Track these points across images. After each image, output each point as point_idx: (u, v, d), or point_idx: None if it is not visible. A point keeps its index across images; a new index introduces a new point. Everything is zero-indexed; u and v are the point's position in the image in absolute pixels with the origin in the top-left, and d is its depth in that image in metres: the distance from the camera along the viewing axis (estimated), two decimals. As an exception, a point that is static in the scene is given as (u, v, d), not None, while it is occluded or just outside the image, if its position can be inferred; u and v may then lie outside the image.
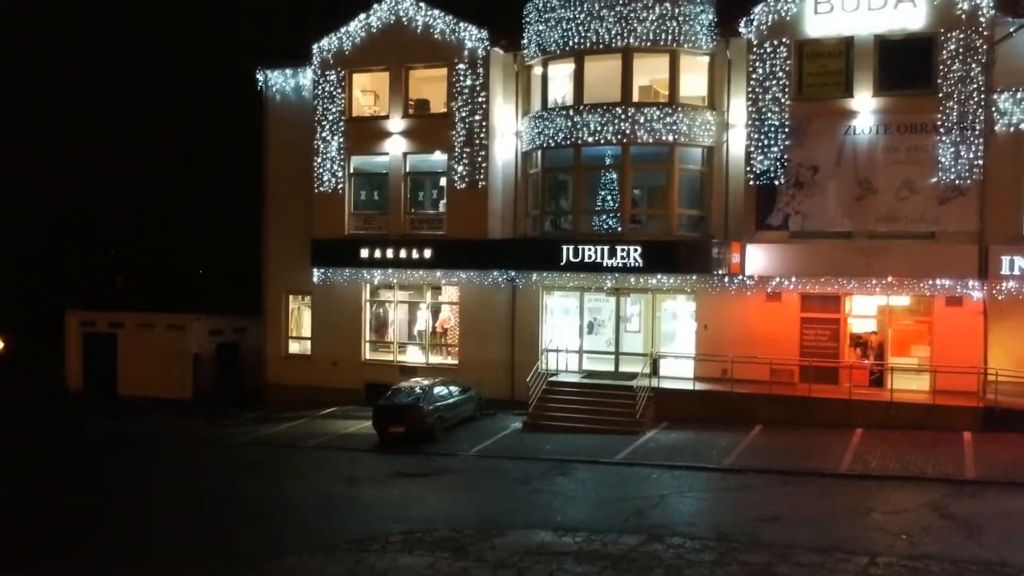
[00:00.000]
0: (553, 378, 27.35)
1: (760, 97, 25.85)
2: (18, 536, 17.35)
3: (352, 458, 23.66)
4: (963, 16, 24.03)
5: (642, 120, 26.43)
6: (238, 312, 36.29)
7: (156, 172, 52.31)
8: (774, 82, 25.71)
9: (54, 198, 50.85)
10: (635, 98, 27.01)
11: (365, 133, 30.32)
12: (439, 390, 26.13)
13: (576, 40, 26.93)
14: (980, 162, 23.98)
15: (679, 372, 27.18)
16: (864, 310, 26.31)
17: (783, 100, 25.65)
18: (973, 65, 23.99)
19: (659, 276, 27.12)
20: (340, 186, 30.61)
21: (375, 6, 29.90)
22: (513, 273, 28.82)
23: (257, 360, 33.75)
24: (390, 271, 30.28)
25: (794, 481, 19.81)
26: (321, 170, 30.74)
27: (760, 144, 25.86)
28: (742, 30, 26.06)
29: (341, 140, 30.50)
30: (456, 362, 30.13)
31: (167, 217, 52.98)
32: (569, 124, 27.11)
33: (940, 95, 24.28)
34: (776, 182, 25.74)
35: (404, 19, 29.53)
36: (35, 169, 49.64)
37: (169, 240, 53.48)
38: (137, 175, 52.48)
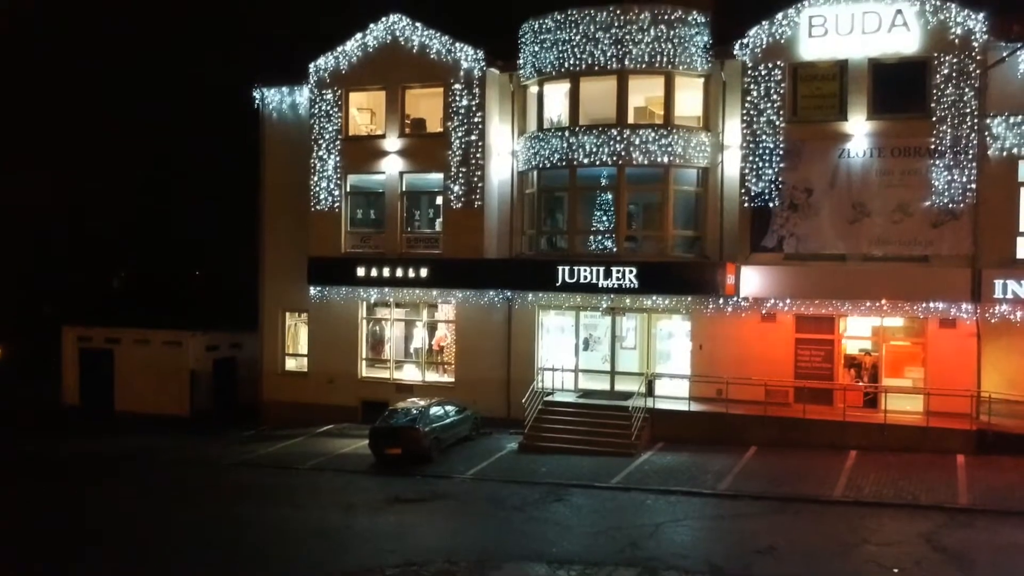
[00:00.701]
0: (549, 398, 27.46)
1: (755, 119, 25.96)
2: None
3: (348, 481, 23.73)
4: (956, 40, 24.16)
5: (637, 142, 26.55)
6: (234, 325, 36.31)
7: (153, 180, 52.28)
8: (769, 104, 25.83)
9: (51, 202, 50.85)
10: (630, 119, 27.15)
11: (362, 152, 30.42)
12: (435, 410, 26.22)
13: (572, 62, 27.04)
14: (973, 186, 24.10)
15: (674, 392, 27.28)
16: (858, 331, 26.41)
17: (778, 122, 25.77)
18: (966, 89, 24.12)
19: (654, 297, 27.22)
20: (337, 204, 30.70)
21: (371, 26, 30.00)
22: (509, 293, 28.92)
23: (254, 374, 33.78)
24: (387, 289, 30.36)
25: (788, 508, 19.91)
26: (318, 188, 30.84)
27: (755, 166, 25.97)
28: (737, 52, 26.18)
29: (338, 159, 30.60)
30: (452, 380, 30.23)
31: (166, 224, 52.90)
32: (565, 145, 27.22)
33: (933, 119, 24.40)
34: (771, 204, 25.85)
35: (400, 39, 29.63)
36: (34, 169, 49.74)
37: (167, 243, 53.47)
38: (134, 182, 52.45)
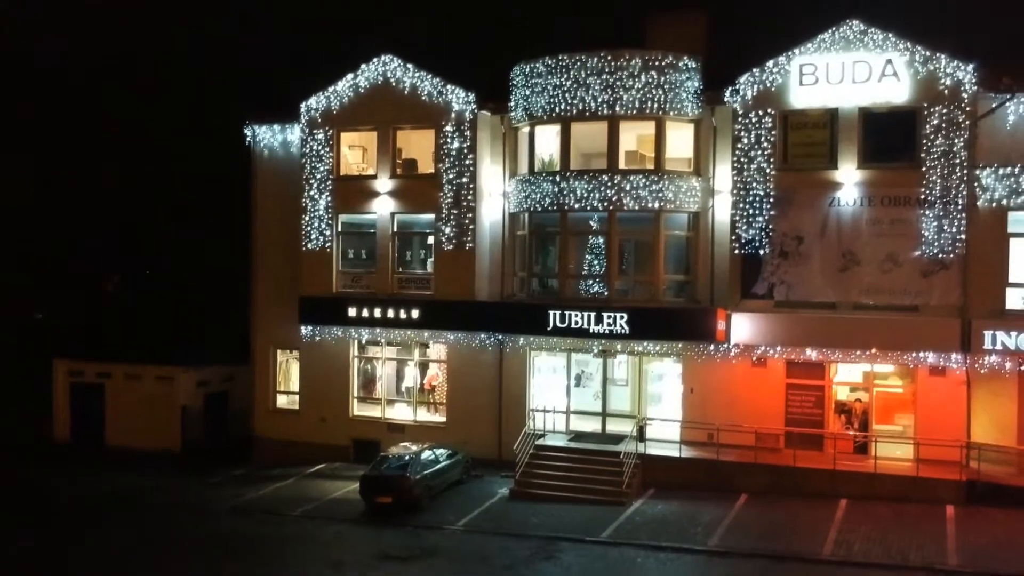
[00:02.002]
0: (540, 441, 27.44)
1: (745, 166, 25.98)
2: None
3: (338, 532, 23.65)
4: (946, 91, 24.22)
5: (628, 187, 26.58)
6: (226, 358, 36.11)
7: (150, 182, 51.99)
8: (759, 152, 25.86)
9: (46, 204, 50.76)
10: (621, 163, 27.15)
11: (353, 192, 30.40)
12: (426, 456, 26.17)
13: (562, 107, 27.05)
14: (963, 237, 24.14)
15: (666, 434, 27.26)
16: (848, 377, 26.46)
17: (768, 170, 25.79)
18: (956, 140, 24.17)
19: (646, 343, 27.24)
20: (328, 244, 30.67)
21: (363, 66, 29.96)
22: (500, 336, 28.89)
23: (245, 406, 33.69)
24: (378, 330, 30.34)
25: (777, 567, 20.00)
26: (309, 228, 30.80)
27: (745, 213, 26.00)
28: (728, 99, 26.20)
29: (329, 199, 30.56)
30: (444, 419, 30.20)
31: (162, 227, 52.56)
32: (556, 189, 27.24)
33: (923, 169, 24.45)
34: (761, 251, 25.88)
35: (392, 80, 29.61)
36: (29, 170, 49.70)
37: (162, 246, 53.26)
38: (132, 184, 52.19)
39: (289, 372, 33.16)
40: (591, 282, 27.57)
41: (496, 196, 29.34)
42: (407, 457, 25.69)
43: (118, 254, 53.87)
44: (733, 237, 26.19)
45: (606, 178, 26.69)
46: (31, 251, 50.65)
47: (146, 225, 52.42)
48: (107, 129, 50.72)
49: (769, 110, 25.76)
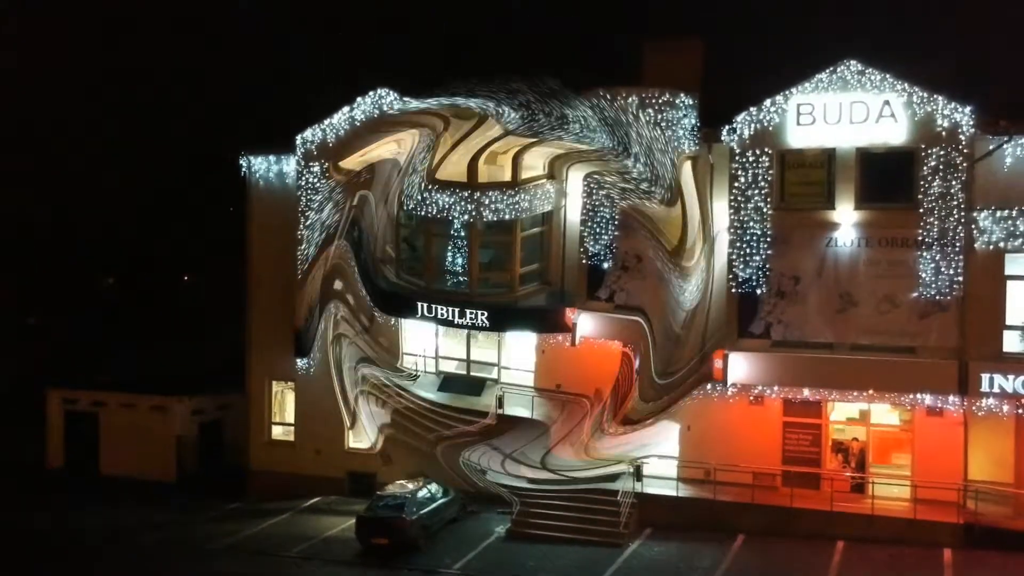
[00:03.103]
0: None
1: (742, 205, 25.88)
2: None
3: (333, 575, 23.56)
4: (943, 133, 24.15)
5: (626, 222, 26.61)
6: (221, 386, 35.91)
7: (148, 182, 51.95)
8: (756, 191, 25.74)
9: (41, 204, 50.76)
10: (618, 198, 27.15)
11: (349, 225, 30.33)
12: (422, 494, 26.07)
13: (560, 143, 27.06)
14: (960, 279, 24.04)
15: (663, 471, 27.18)
16: (845, 416, 26.40)
17: (765, 209, 25.68)
18: (953, 182, 24.08)
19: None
20: (323, 276, 30.59)
21: (359, 99, 29.82)
22: (497, 371, 28.84)
23: (240, 435, 33.50)
24: (374, 362, 30.32)
25: (775, 620, 19.93)
26: (304, 261, 30.68)
27: (742, 252, 25.89)
28: (724, 138, 26.09)
29: (324, 232, 30.49)
30: (439, 451, 30.12)
31: (160, 229, 52.48)
32: (553, 227, 27.22)
33: (921, 210, 24.35)
34: (758, 291, 25.77)
35: (388, 113, 29.50)
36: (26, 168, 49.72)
37: (159, 248, 53.22)
38: (132, 186, 52.16)
39: (284, 402, 33.00)
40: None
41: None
42: (402, 496, 25.57)
43: (115, 256, 53.91)
44: (730, 276, 26.11)
45: (603, 214, 26.69)
46: (27, 251, 50.54)
47: (144, 227, 52.41)
48: (107, 131, 50.76)
49: (766, 149, 25.66)
